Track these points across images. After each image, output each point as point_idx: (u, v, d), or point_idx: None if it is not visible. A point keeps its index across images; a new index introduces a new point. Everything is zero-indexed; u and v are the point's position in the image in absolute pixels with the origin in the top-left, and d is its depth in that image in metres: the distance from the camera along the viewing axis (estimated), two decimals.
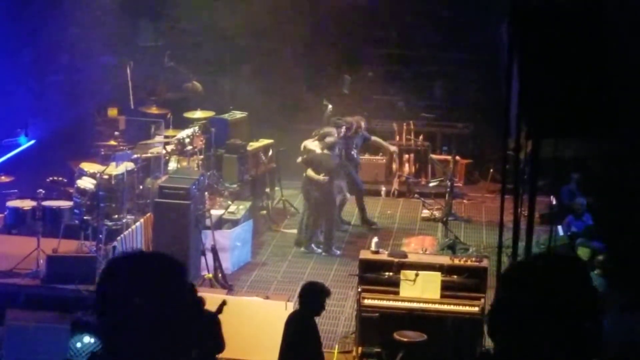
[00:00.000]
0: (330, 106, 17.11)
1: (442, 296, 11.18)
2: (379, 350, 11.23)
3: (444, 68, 19.89)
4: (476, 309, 11.09)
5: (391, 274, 11.31)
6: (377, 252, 11.63)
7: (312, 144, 15.09)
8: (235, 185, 15.89)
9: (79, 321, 10.67)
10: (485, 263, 11.50)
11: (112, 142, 15.01)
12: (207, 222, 13.42)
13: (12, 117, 15.69)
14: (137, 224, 13.05)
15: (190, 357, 2.97)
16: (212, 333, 9.27)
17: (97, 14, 17.03)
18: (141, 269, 2.90)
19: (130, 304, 2.81)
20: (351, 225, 16.29)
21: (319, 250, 14.89)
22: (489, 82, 15.93)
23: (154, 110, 16.77)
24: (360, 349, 11.31)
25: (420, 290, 11.16)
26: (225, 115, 16.97)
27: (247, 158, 16.35)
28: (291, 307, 11.25)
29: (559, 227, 14.22)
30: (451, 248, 14.29)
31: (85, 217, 13.29)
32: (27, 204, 13.80)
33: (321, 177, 14.58)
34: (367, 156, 18.23)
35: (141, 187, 14.34)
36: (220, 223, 14.11)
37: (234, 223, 14.21)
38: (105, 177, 13.42)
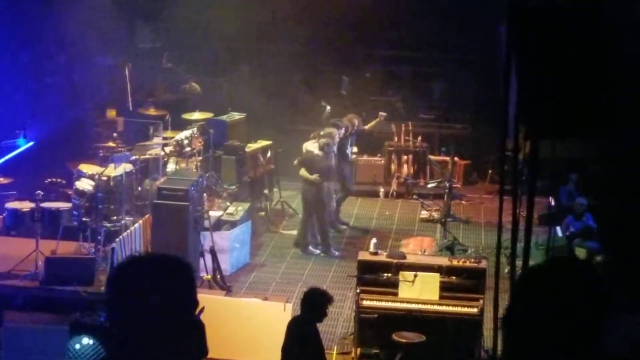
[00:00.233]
0: (328, 107, 17.12)
1: (441, 297, 11.18)
2: (377, 351, 11.23)
3: (442, 69, 19.91)
4: (475, 309, 11.10)
5: (390, 275, 11.31)
6: (375, 253, 11.63)
7: (312, 145, 15.14)
8: (233, 187, 15.89)
9: (77, 322, 10.66)
10: (483, 264, 11.50)
11: (111, 144, 14.99)
12: (206, 223, 13.42)
13: (11, 119, 15.68)
14: (136, 225, 13.04)
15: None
16: (200, 337, 9.25)
17: (95, 15, 17.01)
18: (153, 271, 2.90)
19: (144, 306, 2.81)
20: (349, 226, 16.29)
21: (317, 252, 14.88)
22: (487, 83, 15.95)
23: (152, 111, 16.77)
24: (359, 350, 11.31)
25: (419, 291, 11.16)
26: (224, 117, 16.98)
27: (246, 159, 16.35)
28: (290, 308, 11.25)
29: (558, 228, 14.22)
30: (450, 249, 14.30)
31: (83, 219, 13.28)
32: (25, 205, 13.79)
33: (313, 176, 14.60)
34: (365, 157, 18.24)
35: (140, 188, 14.32)
36: (218, 224, 14.11)
37: (233, 224, 14.21)
38: (104, 178, 13.41)
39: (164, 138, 15.46)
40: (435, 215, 16.37)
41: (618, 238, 13.56)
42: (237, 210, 14.56)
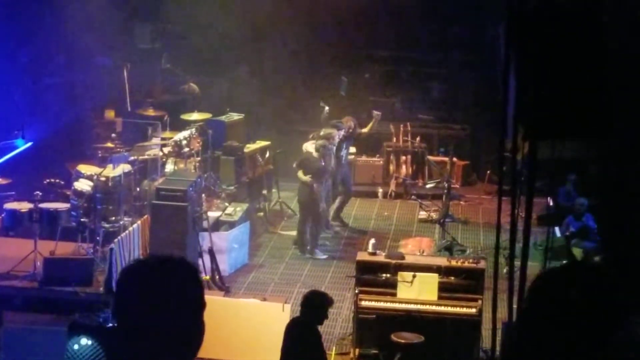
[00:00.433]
0: (327, 108, 17.12)
1: (440, 297, 11.17)
2: (376, 351, 11.21)
3: (441, 69, 19.90)
4: (473, 310, 11.09)
5: (388, 275, 11.30)
6: (374, 254, 11.62)
7: (311, 146, 15.16)
8: (232, 187, 15.88)
9: (76, 323, 10.65)
10: (482, 264, 11.49)
11: (109, 144, 14.97)
12: (204, 224, 13.41)
13: (9, 119, 15.65)
14: (134, 226, 13.03)
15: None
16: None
17: (94, 15, 17.00)
18: (161, 274, 2.88)
19: (152, 309, 2.80)
20: (348, 227, 16.29)
21: (324, 257, 14.76)
22: (486, 84, 15.95)
23: (150, 112, 16.76)
24: (357, 350, 11.30)
25: (418, 292, 11.15)
26: (222, 117, 16.97)
27: (244, 160, 16.34)
28: (288, 308, 11.24)
29: (556, 229, 14.22)
30: (448, 249, 14.28)
31: (82, 219, 13.27)
32: (24, 206, 13.75)
33: (307, 177, 14.60)
34: (364, 157, 18.23)
35: (138, 189, 14.31)
36: (217, 225, 14.10)
37: (231, 225, 14.20)
38: (102, 179, 13.40)
39: (163, 138, 15.45)
40: (434, 215, 16.37)
41: (618, 238, 13.56)
42: (235, 210, 14.55)
